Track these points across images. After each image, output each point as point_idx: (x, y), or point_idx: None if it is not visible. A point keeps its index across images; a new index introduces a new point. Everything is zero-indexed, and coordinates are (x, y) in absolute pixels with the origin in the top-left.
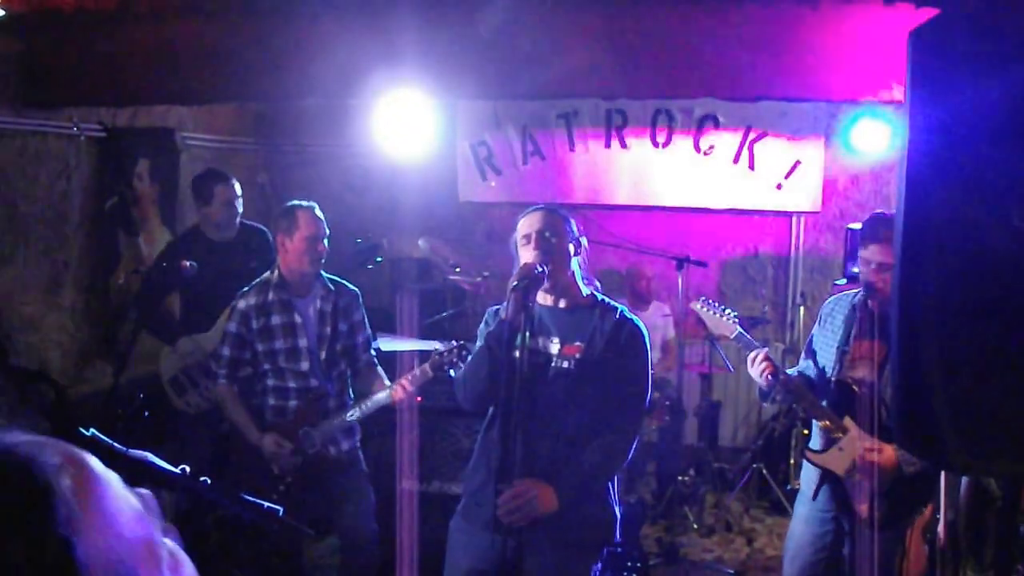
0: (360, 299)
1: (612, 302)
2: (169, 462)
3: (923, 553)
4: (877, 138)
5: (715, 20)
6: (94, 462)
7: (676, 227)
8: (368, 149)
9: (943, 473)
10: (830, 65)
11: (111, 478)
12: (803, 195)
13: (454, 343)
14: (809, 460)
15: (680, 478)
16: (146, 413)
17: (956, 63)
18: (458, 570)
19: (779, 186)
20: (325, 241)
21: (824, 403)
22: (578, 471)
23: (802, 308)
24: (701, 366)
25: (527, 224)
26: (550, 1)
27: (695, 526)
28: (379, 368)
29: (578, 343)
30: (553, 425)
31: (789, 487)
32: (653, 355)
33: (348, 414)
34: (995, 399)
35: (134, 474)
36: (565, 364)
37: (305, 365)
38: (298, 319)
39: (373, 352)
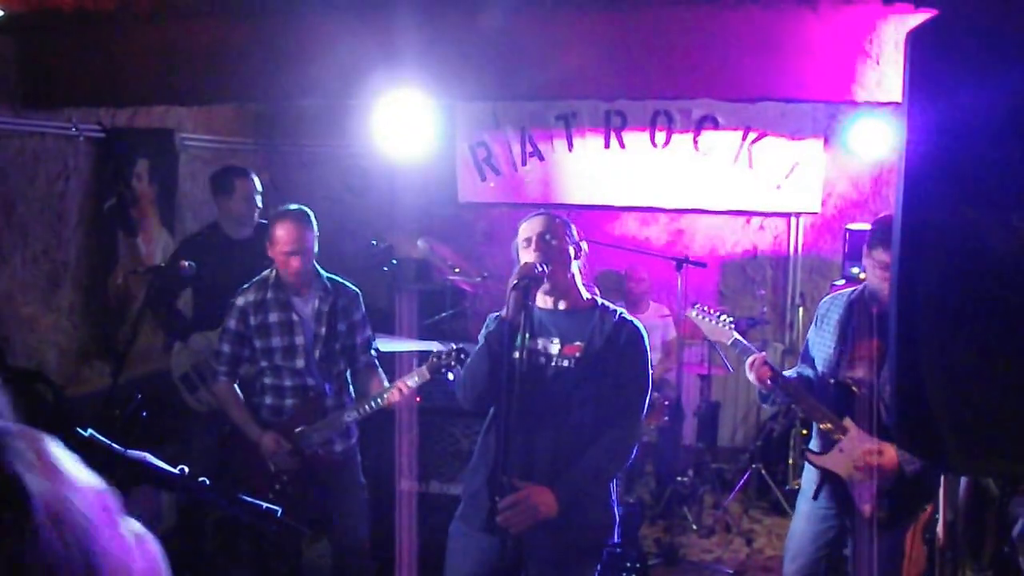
0: (360, 300)
1: (612, 305)
2: (172, 462)
3: (922, 553)
4: (876, 139)
5: (714, 21)
6: (50, 439)
7: (675, 228)
8: (367, 150)
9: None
10: (829, 66)
11: (67, 454)
12: (802, 196)
13: (452, 346)
14: (810, 462)
15: (679, 478)
16: (144, 413)
17: (955, 64)
18: (458, 573)
19: (778, 187)
20: (300, 258)
21: (824, 404)
22: (578, 473)
23: (801, 309)
24: (700, 367)
25: (528, 228)
26: (550, 2)
27: (694, 527)
28: (379, 370)
29: (578, 343)
30: (553, 425)
31: (788, 487)
32: (653, 356)
33: (347, 415)
34: (994, 399)
35: (132, 474)
36: (565, 364)
37: (301, 363)
38: (295, 317)
39: (373, 353)
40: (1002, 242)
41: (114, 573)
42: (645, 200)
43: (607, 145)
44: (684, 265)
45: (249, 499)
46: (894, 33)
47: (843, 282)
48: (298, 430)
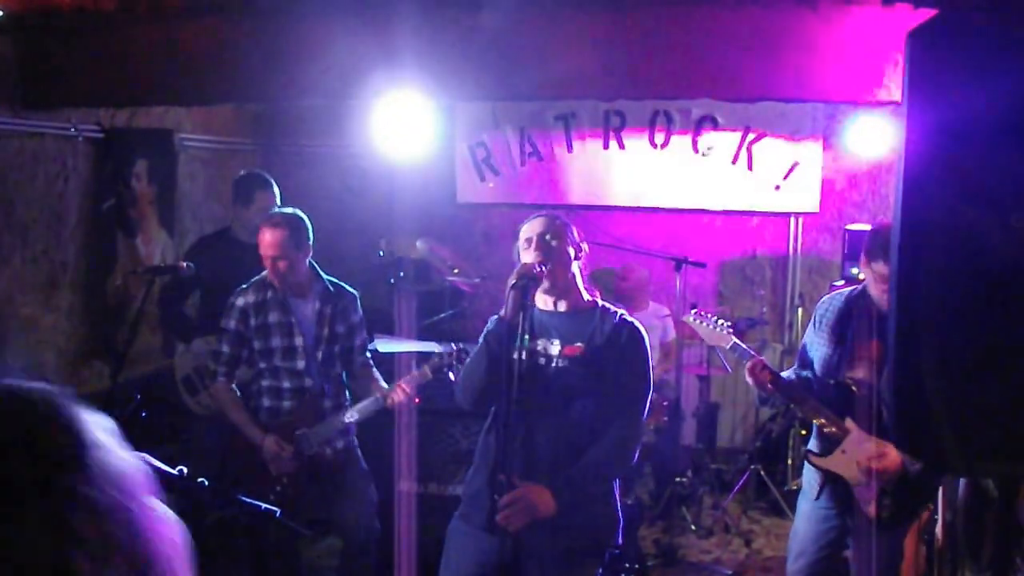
0: (358, 302)
1: (613, 307)
2: (171, 462)
3: (921, 553)
4: (875, 139)
5: (714, 21)
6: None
7: (674, 228)
8: (366, 150)
9: None
10: (829, 66)
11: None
12: (802, 196)
13: (453, 346)
14: (812, 463)
15: (678, 479)
16: (143, 414)
17: (954, 64)
18: (457, 572)
19: (777, 187)
20: (284, 263)
21: (824, 405)
22: (577, 473)
23: (800, 309)
24: (699, 367)
25: (529, 229)
26: (549, 2)
27: (693, 527)
28: (375, 370)
29: (579, 344)
30: (554, 425)
31: (787, 488)
32: (652, 357)
33: (345, 416)
34: (993, 400)
35: None
36: (565, 363)
37: (301, 364)
38: (295, 318)
39: (368, 355)
40: (1001, 242)
41: (159, 543)
42: (644, 200)
43: (606, 145)
44: (683, 265)
45: (248, 500)
46: (894, 33)
47: (842, 282)
48: (298, 432)
